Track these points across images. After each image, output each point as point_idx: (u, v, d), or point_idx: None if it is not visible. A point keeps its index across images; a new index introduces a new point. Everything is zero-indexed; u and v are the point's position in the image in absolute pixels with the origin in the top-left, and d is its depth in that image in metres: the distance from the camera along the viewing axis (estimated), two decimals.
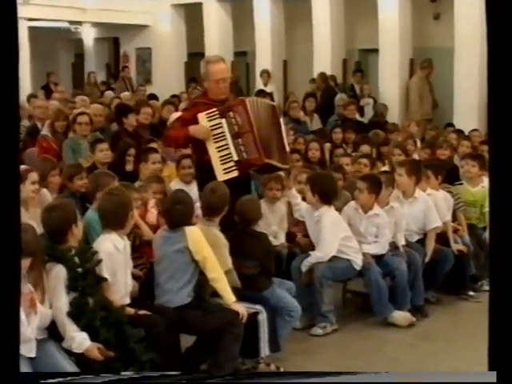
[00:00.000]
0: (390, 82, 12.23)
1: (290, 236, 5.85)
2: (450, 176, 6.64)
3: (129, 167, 6.36)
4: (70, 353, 3.59)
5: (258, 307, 4.51)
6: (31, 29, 13.89)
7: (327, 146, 8.23)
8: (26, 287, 3.40)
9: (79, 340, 3.57)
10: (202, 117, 5.19)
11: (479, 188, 6.56)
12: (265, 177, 5.73)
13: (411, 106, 11.82)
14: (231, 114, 5.16)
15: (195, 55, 14.77)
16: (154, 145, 6.79)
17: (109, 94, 11.80)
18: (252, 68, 14.89)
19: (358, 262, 5.39)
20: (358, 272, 5.46)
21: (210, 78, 5.29)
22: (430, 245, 5.90)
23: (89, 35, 17.37)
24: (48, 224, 3.80)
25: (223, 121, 5.16)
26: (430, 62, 11.77)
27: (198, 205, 5.06)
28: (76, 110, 7.87)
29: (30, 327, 3.39)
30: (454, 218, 6.33)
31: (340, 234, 5.36)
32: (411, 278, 5.65)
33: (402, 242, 5.75)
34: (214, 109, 5.19)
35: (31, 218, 4.37)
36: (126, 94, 11.36)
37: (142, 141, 7.17)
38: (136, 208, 4.60)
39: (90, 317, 3.66)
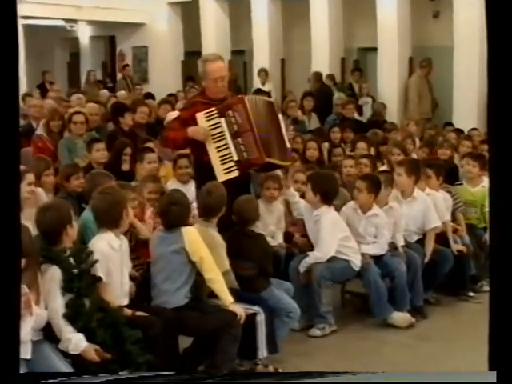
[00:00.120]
0: (388, 80, 12.21)
1: (288, 236, 5.81)
2: (449, 176, 6.61)
3: (125, 167, 6.33)
4: (66, 355, 3.57)
5: (256, 308, 4.49)
6: (26, 27, 13.82)
7: (325, 145, 8.19)
8: (21, 288, 3.36)
9: (75, 341, 3.55)
10: (200, 116, 5.14)
11: (479, 188, 6.53)
12: (262, 176, 5.66)
13: (410, 105, 11.79)
14: (230, 112, 5.10)
15: (192, 54, 14.75)
16: (150, 144, 6.75)
17: (104, 92, 11.73)
18: (249, 67, 14.87)
19: (356, 263, 5.36)
20: (356, 273, 5.43)
21: (208, 76, 5.24)
22: (430, 245, 5.87)
23: (84, 33, 17.33)
24: (42, 225, 3.77)
25: (222, 120, 5.11)
26: (430, 61, 11.74)
27: (194, 205, 5.02)
28: (71, 109, 7.83)
29: (24, 329, 3.35)
30: (454, 219, 6.30)
31: (339, 235, 5.33)
32: (410, 279, 5.62)
33: (401, 242, 5.72)
34: (213, 108, 5.14)
35: (26, 219, 4.29)
36: (122, 93, 11.33)
37: (139, 140, 7.14)
38: (133, 208, 4.56)
39: (86, 318, 3.64)
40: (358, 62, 13.82)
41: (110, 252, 3.97)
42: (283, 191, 5.66)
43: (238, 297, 4.38)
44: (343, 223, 5.44)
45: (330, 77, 12.48)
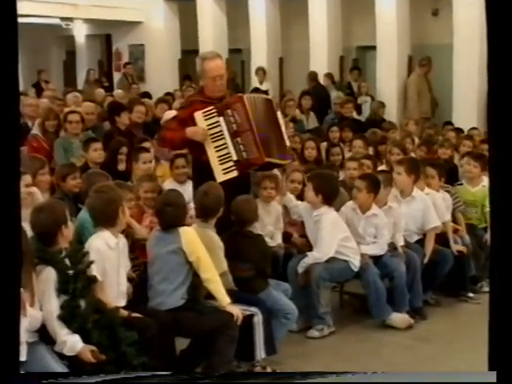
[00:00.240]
0: (387, 79, 12.19)
1: (286, 236, 5.77)
2: (449, 176, 6.57)
3: (121, 166, 6.29)
4: (62, 356, 3.55)
5: (254, 309, 4.46)
6: (21, 25, 13.61)
7: (323, 144, 8.15)
8: None
9: (71, 343, 3.53)
10: (198, 115, 5.09)
11: (479, 188, 6.49)
12: (259, 176, 5.60)
13: (409, 104, 11.77)
14: (229, 111, 5.05)
15: (189, 52, 14.71)
16: (147, 144, 6.69)
17: (100, 91, 11.68)
18: (247, 65, 14.82)
19: (355, 263, 5.32)
20: (355, 273, 5.39)
21: (206, 75, 5.18)
22: (429, 245, 5.83)
23: (80, 32, 17.24)
24: (37, 226, 3.73)
25: (221, 119, 5.06)
26: (429, 60, 11.72)
27: (191, 205, 4.97)
28: (67, 109, 7.78)
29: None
30: (454, 219, 6.26)
31: (339, 235, 5.30)
32: (410, 280, 5.59)
33: (400, 242, 5.68)
34: (212, 107, 5.09)
35: (23, 220, 4.28)
36: (119, 92, 11.29)
37: (135, 140, 7.08)
38: (129, 208, 4.53)
39: (82, 320, 3.62)
40: (357, 61, 13.80)
41: (106, 250, 3.95)
42: (280, 198, 5.61)
43: (236, 298, 4.35)
44: (343, 223, 5.41)
45: (329, 75, 12.45)
